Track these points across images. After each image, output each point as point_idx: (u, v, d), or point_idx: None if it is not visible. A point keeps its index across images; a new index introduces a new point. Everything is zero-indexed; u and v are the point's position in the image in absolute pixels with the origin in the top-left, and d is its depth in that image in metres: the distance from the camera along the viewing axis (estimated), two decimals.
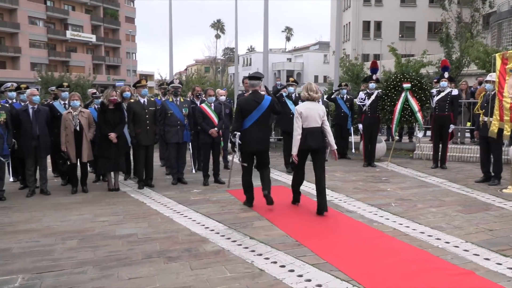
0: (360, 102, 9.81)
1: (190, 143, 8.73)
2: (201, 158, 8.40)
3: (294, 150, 5.85)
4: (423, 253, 4.47)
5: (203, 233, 5.12)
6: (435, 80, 10.79)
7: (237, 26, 18.08)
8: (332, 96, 10.89)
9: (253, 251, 4.52)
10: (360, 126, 9.87)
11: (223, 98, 8.49)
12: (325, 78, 53.70)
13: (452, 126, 9.11)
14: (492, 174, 7.71)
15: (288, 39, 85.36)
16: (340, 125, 10.65)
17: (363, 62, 24.88)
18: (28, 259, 4.37)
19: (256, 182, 6.33)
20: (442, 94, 9.11)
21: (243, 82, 10.13)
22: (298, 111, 5.86)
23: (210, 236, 5.02)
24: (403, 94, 9.34)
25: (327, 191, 7.14)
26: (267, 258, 4.31)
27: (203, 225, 5.45)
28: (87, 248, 4.64)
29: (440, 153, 9.31)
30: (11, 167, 8.22)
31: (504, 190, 7.13)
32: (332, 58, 33.79)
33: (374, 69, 10.06)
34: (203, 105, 7.92)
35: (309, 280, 3.81)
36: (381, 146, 10.23)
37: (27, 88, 7.76)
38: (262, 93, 6.55)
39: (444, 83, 9.18)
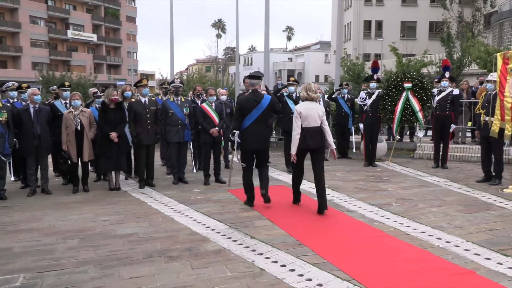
0: (361, 101, 9.80)
1: (191, 143, 8.73)
2: (202, 157, 8.41)
3: (293, 150, 5.89)
4: (423, 252, 4.47)
5: (204, 233, 5.12)
6: (436, 80, 10.77)
7: (238, 25, 18.07)
8: (333, 96, 10.89)
9: (254, 250, 4.53)
10: (361, 125, 9.87)
11: (224, 97, 8.49)
12: (326, 77, 53.67)
13: (453, 126, 9.11)
14: (493, 173, 7.71)
15: (289, 38, 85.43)
16: (341, 124, 10.65)
17: (364, 61, 24.84)
18: (29, 258, 4.37)
19: (257, 181, 6.35)
20: (443, 93, 9.11)
21: (244, 81, 10.13)
22: (297, 111, 5.90)
23: (211, 235, 5.02)
24: (404, 94, 9.34)
25: (328, 191, 7.17)
26: (267, 258, 4.32)
27: (204, 224, 5.46)
28: (88, 248, 4.65)
29: (441, 153, 9.30)
30: (12, 167, 8.23)
31: (505, 190, 7.12)
32: (333, 57, 33.76)
33: (375, 68, 10.05)
34: (204, 104, 7.93)
35: (310, 280, 3.81)
36: (382, 146, 10.23)
37: (28, 87, 7.78)
38: (263, 92, 6.57)
39: (445, 82, 9.17)
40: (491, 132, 7.34)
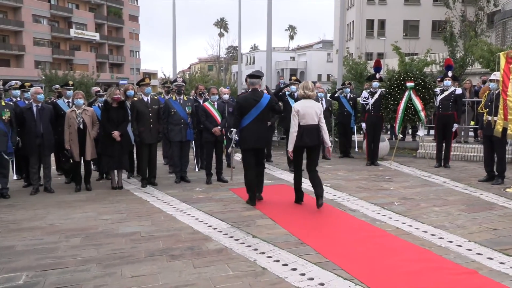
0: (364, 101, 9.79)
1: (193, 142, 8.74)
2: (204, 156, 8.42)
3: (290, 147, 6.05)
4: (426, 252, 4.46)
5: (206, 232, 5.13)
6: (439, 79, 10.75)
7: (241, 24, 18.10)
8: (336, 95, 10.88)
9: (255, 249, 4.53)
10: (363, 125, 9.86)
11: (226, 96, 8.48)
12: (328, 76, 53.62)
13: (455, 125, 9.09)
14: (496, 173, 7.69)
15: (291, 37, 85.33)
16: (343, 124, 10.64)
17: (366, 60, 24.86)
18: (32, 256, 4.39)
19: None
20: (446, 93, 9.09)
21: (246, 80, 10.13)
22: (295, 109, 6.00)
23: (213, 234, 5.03)
24: (406, 93, 9.31)
25: (331, 190, 7.19)
26: (269, 257, 4.32)
27: (206, 223, 5.47)
28: (91, 246, 4.66)
29: (443, 152, 9.29)
30: (15, 165, 8.26)
31: (507, 189, 7.10)
32: (335, 56, 33.75)
33: (377, 67, 10.03)
34: (206, 103, 7.93)
35: (312, 279, 3.81)
36: (384, 145, 10.21)
37: (31, 86, 7.80)
38: (264, 91, 6.62)
39: (447, 82, 9.15)
40: (494, 132, 7.32)
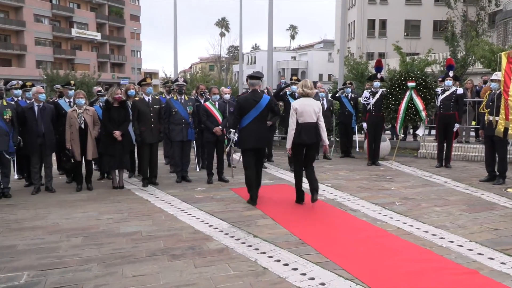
0: (365, 100, 9.79)
1: (194, 141, 8.75)
2: (205, 156, 8.42)
3: (288, 144, 6.13)
4: (427, 252, 4.46)
5: (207, 231, 5.13)
6: (440, 79, 10.75)
7: (242, 24, 18.10)
8: (337, 95, 10.87)
9: (256, 249, 4.53)
10: (365, 124, 9.86)
11: (227, 96, 8.48)
12: (329, 76, 53.64)
13: (456, 125, 9.08)
14: (497, 173, 7.68)
15: (292, 37, 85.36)
16: (344, 123, 10.63)
17: (367, 60, 24.85)
18: (33, 256, 4.40)
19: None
20: (447, 93, 9.08)
21: (247, 80, 10.14)
22: (293, 107, 6.08)
23: (214, 234, 5.03)
24: (407, 93, 9.31)
25: (331, 190, 7.20)
26: (270, 257, 4.32)
27: (207, 223, 5.47)
28: (92, 246, 4.67)
29: (444, 152, 9.28)
30: (16, 165, 8.27)
31: (508, 190, 7.10)
32: (336, 56, 33.71)
33: (378, 67, 10.02)
34: (207, 103, 7.94)
35: (313, 279, 3.81)
36: (385, 145, 10.21)
37: (33, 86, 7.81)
38: (265, 92, 6.66)
39: (449, 82, 9.14)
40: (496, 132, 7.32)
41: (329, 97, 10.94)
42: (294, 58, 69.64)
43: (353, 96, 10.68)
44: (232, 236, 4.94)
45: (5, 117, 6.74)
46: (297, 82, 9.22)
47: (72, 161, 7.33)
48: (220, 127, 7.70)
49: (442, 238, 4.85)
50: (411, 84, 9.27)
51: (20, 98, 8.02)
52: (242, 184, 6.72)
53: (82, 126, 7.23)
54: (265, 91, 7.47)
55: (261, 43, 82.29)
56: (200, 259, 4.28)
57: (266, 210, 6.02)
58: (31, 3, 47.46)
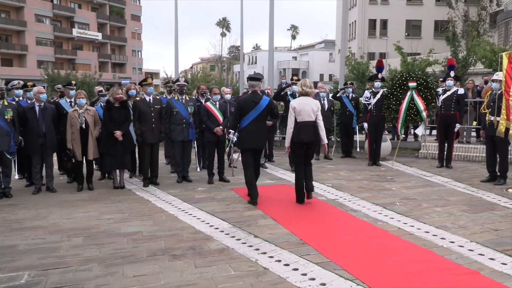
0: (366, 101, 9.78)
1: (195, 141, 8.75)
2: (206, 156, 8.43)
3: (287, 142, 6.26)
4: (427, 252, 4.46)
5: (208, 231, 5.13)
6: (441, 79, 10.74)
7: (243, 24, 18.09)
8: (338, 95, 10.86)
9: (257, 249, 4.53)
10: (365, 125, 9.85)
11: (228, 96, 8.48)
12: (330, 76, 53.62)
13: (458, 125, 9.07)
14: (498, 173, 7.67)
15: (293, 37, 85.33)
16: (345, 123, 10.63)
17: (368, 60, 24.83)
18: (34, 256, 4.40)
19: (259, 181, 6.39)
20: (448, 93, 9.07)
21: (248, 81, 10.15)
22: (292, 105, 6.19)
23: (215, 234, 5.04)
24: (408, 93, 9.30)
25: (332, 190, 7.20)
26: (271, 257, 4.32)
27: (208, 223, 5.47)
28: (93, 246, 4.67)
29: (445, 152, 9.27)
30: (17, 164, 8.28)
31: (509, 190, 7.09)
32: (337, 56, 33.68)
33: (379, 67, 10.02)
34: (208, 103, 7.94)
35: (313, 279, 3.81)
36: (386, 145, 10.20)
37: (34, 86, 7.82)
38: (267, 90, 6.69)
39: (450, 82, 9.12)
40: (497, 132, 7.31)
41: (330, 97, 10.94)
42: (295, 58, 69.62)
43: (354, 96, 10.67)
44: (233, 236, 4.94)
45: (6, 117, 6.75)
46: (297, 82, 9.23)
47: (73, 161, 7.34)
48: (221, 127, 7.70)
49: (443, 238, 4.85)
50: (412, 84, 9.26)
51: (21, 98, 8.03)
52: (243, 184, 6.73)
53: (83, 126, 7.24)
54: (266, 91, 7.48)
55: (262, 43, 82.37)
56: (201, 259, 4.28)
57: (266, 210, 6.02)
58: (32, 3, 47.50)
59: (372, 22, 42.92)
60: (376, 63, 10.43)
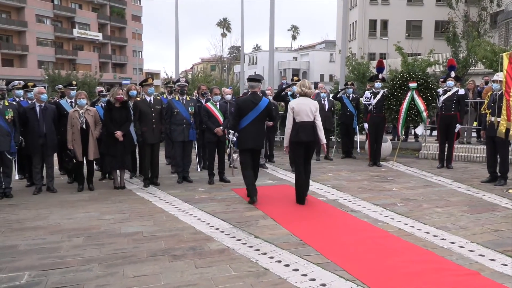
0: (366, 101, 9.79)
1: (195, 142, 8.75)
2: (206, 156, 8.43)
3: (285, 142, 6.36)
4: (428, 253, 4.46)
5: (208, 232, 5.13)
6: (442, 80, 10.73)
7: (243, 24, 18.08)
8: (338, 95, 10.87)
9: (257, 250, 4.53)
10: (366, 125, 9.85)
11: (229, 97, 8.48)
12: (331, 77, 53.60)
13: (458, 126, 9.07)
14: (499, 174, 7.67)
15: (294, 37, 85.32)
16: (345, 124, 10.63)
17: (369, 61, 24.80)
18: (35, 256, 4.40)
19: (259, 181, 6.40)
20: (449, 93, 9.06)
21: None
22: (290, 106, 6.25)
23: (215, 234, 5.04)
24: (409, 94, 9.31)
25: (333, 191, 7.20)
26: (271, 257, 4.32)
27: (208, 223, 5.47)
28: (93, 246, 4.68)
29: (446, 153, 9.27)
30: (18, 165, 8.28)
31: (510, 191, 7.09)
32: (338, 57, 33.69)
33: (380, 68, 10.02)
34: (209, 103, 7.94)
35: (313, 280, 3.81)
36: (386, 146, 10.21)
37: (34, 86, 7.83)
38: (267, 91, 6.71)
39: (450, 82, 9.12)
40: (498, 133, 7.31)
41: (330, 98, 10.94)
42: (295, 58, 69.62)
43: (354, 96, 10.67)
44: (233, 237, 4.94)
45: (7, 117, 6.76)
46: (297, 82, 9.24)
47: (74, 161, 7.34)
48: (221, 127, 7.71)
49: (443, 239, 4.85)
50: (412, 84, 9.27)
51: (22, 99, 8.04)
52: (243, 185, 6.72)
53: (84, 126, 7.24)
54: (267, 92, 7.51)
55: (262, 44, 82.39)
56: (201, 259, 4.28)
57: (267, 210, 6.02)
58: (33, 4, 47.54)
59: (373, 23, 42.92)
60: (376, 63, 10.43)
